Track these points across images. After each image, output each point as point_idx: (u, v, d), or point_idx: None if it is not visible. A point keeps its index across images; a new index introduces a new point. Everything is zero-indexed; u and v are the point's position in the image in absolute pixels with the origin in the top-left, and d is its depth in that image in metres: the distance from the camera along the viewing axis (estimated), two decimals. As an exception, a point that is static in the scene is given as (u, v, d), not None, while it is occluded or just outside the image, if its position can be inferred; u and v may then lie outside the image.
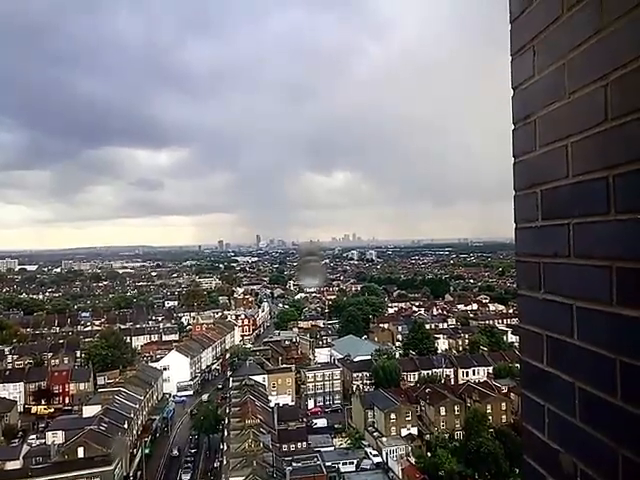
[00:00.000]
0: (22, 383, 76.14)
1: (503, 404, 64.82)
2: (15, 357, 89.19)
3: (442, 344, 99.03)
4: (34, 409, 74.32)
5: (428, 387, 69.15)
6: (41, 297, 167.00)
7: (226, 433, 55.41)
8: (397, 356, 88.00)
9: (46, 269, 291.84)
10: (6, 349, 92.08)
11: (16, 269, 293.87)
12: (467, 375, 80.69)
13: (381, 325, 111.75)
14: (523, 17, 1.64)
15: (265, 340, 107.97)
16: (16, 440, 59.83)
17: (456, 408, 64.70)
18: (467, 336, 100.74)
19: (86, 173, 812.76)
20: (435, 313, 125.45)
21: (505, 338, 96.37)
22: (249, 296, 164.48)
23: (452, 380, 78.62)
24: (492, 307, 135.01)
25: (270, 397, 70.08)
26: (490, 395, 66.16)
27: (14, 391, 74.31)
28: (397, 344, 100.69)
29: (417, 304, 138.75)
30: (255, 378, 72.74)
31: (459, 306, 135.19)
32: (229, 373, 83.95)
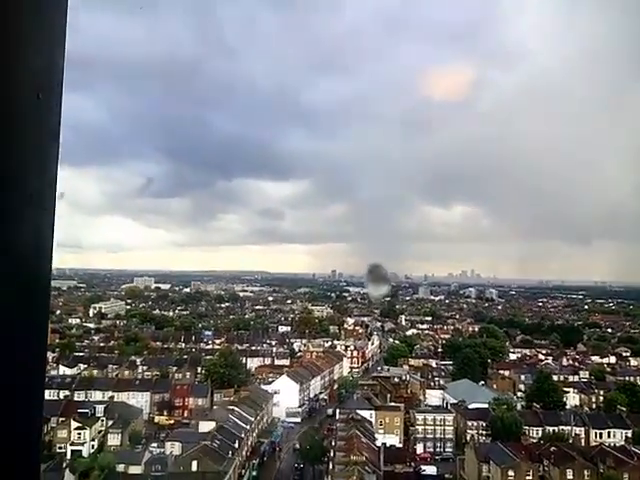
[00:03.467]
0: (149, 393, 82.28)
1: (645, 476, 55.80)
2: (145, 368, 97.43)
3: (572, 399, 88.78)
4: (157, 419, 79.76)
5: (553, 445, 61.94)
6: (171, 314, 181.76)
7: (331, 466, 54.36)
8: (519, 407, 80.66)
9: (177, 288, 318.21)
10: (138, 360, 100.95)
11: (152, 287, 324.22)
12: (600, 437, 71.42)
13: (501, 372, 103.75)
14: None
15: (374, 375, 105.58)
16: (139, 446, 64.44)
17: (586, 473, 57.01)
18: (602, 392, 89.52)
19: (218, 202, 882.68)
20: (565, 364, 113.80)
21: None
22: (359, 327, 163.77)
23: (582, 441, 69.84)
24: (634, 362, 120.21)
25: (376, 435, 67.66)
26: (628, 462, 57.33)
27: (141, 400, 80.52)
28: (519, 394, 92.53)
29: (544, 352, 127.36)
30: (362, 413, 70.93)
31: (593, 358, 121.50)
32: (336, 405, 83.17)
